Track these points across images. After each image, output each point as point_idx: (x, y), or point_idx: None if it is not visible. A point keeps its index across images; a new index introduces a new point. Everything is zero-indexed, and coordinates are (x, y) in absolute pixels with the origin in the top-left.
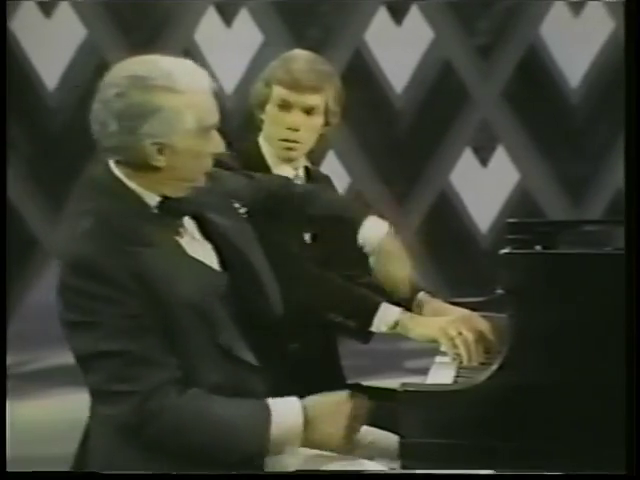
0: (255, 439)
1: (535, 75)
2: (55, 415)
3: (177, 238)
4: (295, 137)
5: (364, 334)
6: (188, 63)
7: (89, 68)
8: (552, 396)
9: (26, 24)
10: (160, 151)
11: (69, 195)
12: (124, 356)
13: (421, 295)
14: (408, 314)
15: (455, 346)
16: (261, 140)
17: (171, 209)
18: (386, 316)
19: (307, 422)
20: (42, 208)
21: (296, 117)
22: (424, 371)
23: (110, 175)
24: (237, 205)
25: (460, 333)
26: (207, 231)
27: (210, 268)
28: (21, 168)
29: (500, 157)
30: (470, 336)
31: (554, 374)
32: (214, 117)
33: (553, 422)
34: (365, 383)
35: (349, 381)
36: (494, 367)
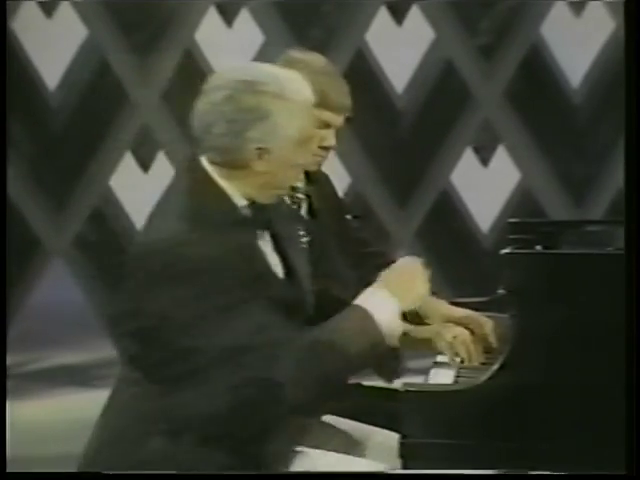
0: (372, 339)
1: (536, 75)
2: (55, 415)
3: (259, 242)
4: (326, 153)
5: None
6: (294, 73)
7: (90, 68)
8: (553, 396)
9: (27, 24)
10: (260, 156)
11: (71, 195)
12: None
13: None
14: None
15: (453, 348)
16: None
17: (256, 214)
18: None
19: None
20: (43, 208)
21: (331, 135)
22: (425, 371)
23: (203, 172)
24: (301, 233)
25: (455, 336)
26: (276, 242)
27: (280, 278)
28: (22, 168)
29: (501, 157)
30: (466, 336)
31: (555, 374)
32: (313, 126)
33: (554, 422)
34: (367, 383)
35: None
36: (495, 367)
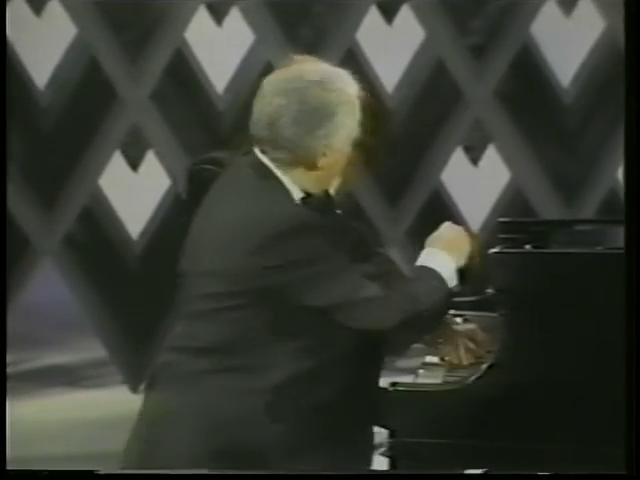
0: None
1: (527, 74)
2: (43, 415)
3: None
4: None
5: None
6: (343, 71)
7: (79, 67)
8: (543, 395)
9: (16, 22)
10: (325, 153)
11: (59, 194)
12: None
13: None
14: None
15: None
16: None
17: (312, 205)
18: None
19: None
20: (32, 207)
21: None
22: (414, 370)
23: (263, 166)
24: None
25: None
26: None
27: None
28: (12, 167)
29: (491, 156)
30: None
31: (545, 373)
32: (362, 125)
33: (544, 421)
34: None
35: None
36: (485, 366)
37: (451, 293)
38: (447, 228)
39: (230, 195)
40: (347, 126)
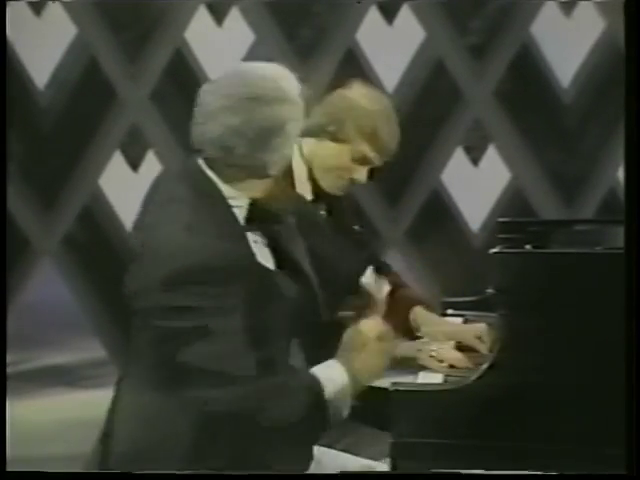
0: (316, 406)
1: (527, 75)
2: (43, 415)
3: (251, 243)
4: (352, 185)
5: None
6: (281, 69)
7: (79, 67)
8: (543, 395)
9: (16, 23)
10: (276, 162)
11: (59, 194)
12: (229, 337)
13: (417, 310)
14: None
15: (436, 358)
16: (297, 155)
17: (258, 213)
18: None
19: (352, 379)
20: (32, 207)
21: (364, 172)
22: (415, 370)
23: (203, 176)
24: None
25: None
26: (270, 239)
27: (276, 272)
28: (11, 167)
29: (492, 156)
30: (448, 349)
31: (545, 373)
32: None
33: (544, 421)
34: None
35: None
36: (485, 366)
37: (326, 417)
38: (363, 333)
39: (166, 212)
40: (296, 131)
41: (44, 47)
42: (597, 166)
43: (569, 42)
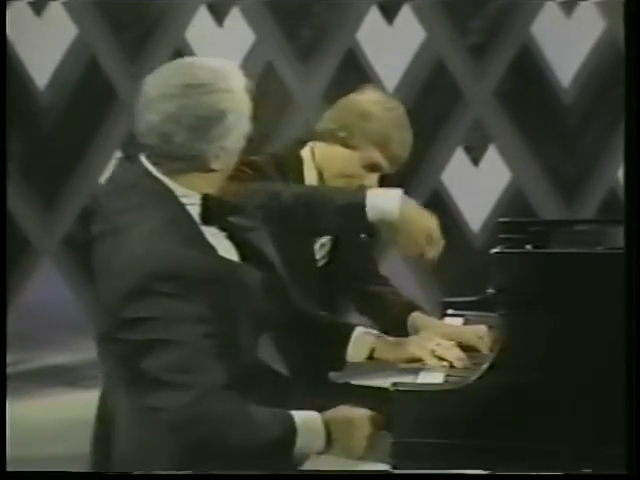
0: (281, 449)
1: (527, 74)
2: (44, 415)
3: (208, 238)
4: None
5: (338, 363)
6: (227, 62)
7: (80, 67)
8: (543, 395)
9: (17, 23)
10: (218, 155)
11: (60, 194)
12: (185, 348)
13: (415, 315)
14: (383, 340)
15: (440, 359)
16: (309, 159)
17: (212, 208)
18: (360, 344)
19: (328, 435)
20: (32, 207)
21: (375, 180)
22: (415, 371)
23: (149, 176)
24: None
25: (439, 344)
26: (229, 231)
27: (239, 264)
28: (12, 167)
29: (492, 156)
30: (450, 344)
31: (546, 373)
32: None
33: (544, 421)
34: (356, 382)
35: (341, 380)
36: (485, 366)
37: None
38: (353, 416)
39: (121, 223)
40: (238, 123)
41: (45, 47)
42: (598, 166)
43: (569, 42)
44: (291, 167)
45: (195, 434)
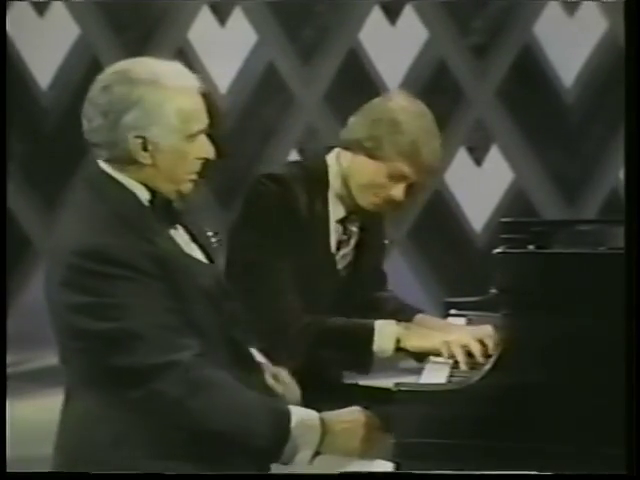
0: (274, 435)
1: (529, 75)
2: (45, 415)
3: (171, 232)
4: (388, 202)
5: (364, 365)
6: (177, 65)
7: (82, 67)
8: (546, 396)
9: (19, 23)
10: (144, 147)
11: (62, 195)
12: (154, 329)
13: (419, 317)
14: (408, 329)
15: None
16: (334, 166)
17: (162, 206)
18: (386, 334)
19: (324, 434)
20: (34, 207)
21: (402, 190)
22: (418, 371)
23: (102, 173)
24: (210, 234)
25: (465, 345)
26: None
27: (204, 263)
28: (13, 167)
29: (494, 157)
30: (476, 346)
31: (548, 373)
32: (202, 121)
33: (547, 422)
34: (361, 383)
35: (344, 380)
36: (488, 367)
37: (281, 448)
38: (357, 419)
39: (70, 216)
40: (158, 114)
41: (47, 47)
42: (600, 166)
43: (572, 42)
44: (317, 175)
45: (191, 406)
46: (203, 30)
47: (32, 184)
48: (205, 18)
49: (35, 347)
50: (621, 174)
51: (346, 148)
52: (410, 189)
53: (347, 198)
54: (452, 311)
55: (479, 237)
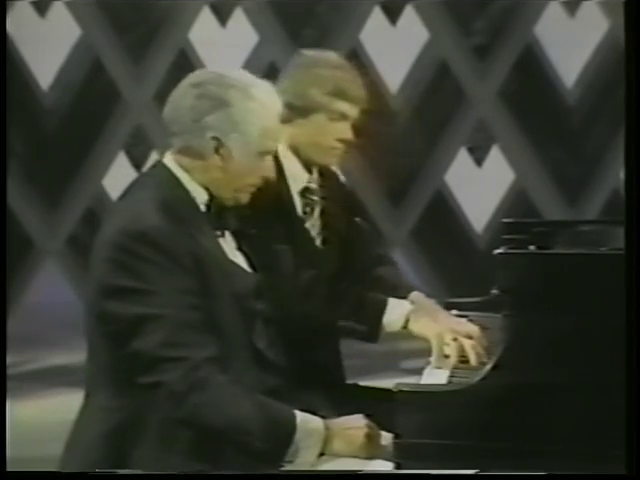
0: (276, 439)
1: (530, 75)
2: (48, 416)
3: (219, 237)
4: (344, 147)
5: (373, 334)
6: (268, 83)
7: (83, 68)
8: (547, 396)
9: (20, 23)
10: (217, 150)
11: (63, 195)
12: (175, 322)
13: (414, 295)
14: (418, 311)
15: (446, 350)
16: (284, 148)
17: (216, 211)
18: (396, 313)
19: (327, 439)
20: (36, 207)
21: (347, 128)
22: (419, 371)
23: (165, 169)
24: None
25: (455, 339)
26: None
27: (246, 270)
28: (15, 168)
29: (495, 157)
30: (466, 342)
31: (549, 374)
32: (275, 142)
33: (548, 422)
34: (362, 383)
35: (346, 381)
36: (489, 367)
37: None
38: (359, 424)
39: (128, 203)
40: (243, 122)
41: (48, 48)
42: (601, 166)
43: (573, 42)
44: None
45: (192, 402)
46: (204, 30)
47: (34, 184)
48: (206, 18)
49: (37, 347)
50: (622, 174)
51: (286, 123)
52: (357, 131)
53: (306, 165)
54: (453, 312)
55: (480, 237)
